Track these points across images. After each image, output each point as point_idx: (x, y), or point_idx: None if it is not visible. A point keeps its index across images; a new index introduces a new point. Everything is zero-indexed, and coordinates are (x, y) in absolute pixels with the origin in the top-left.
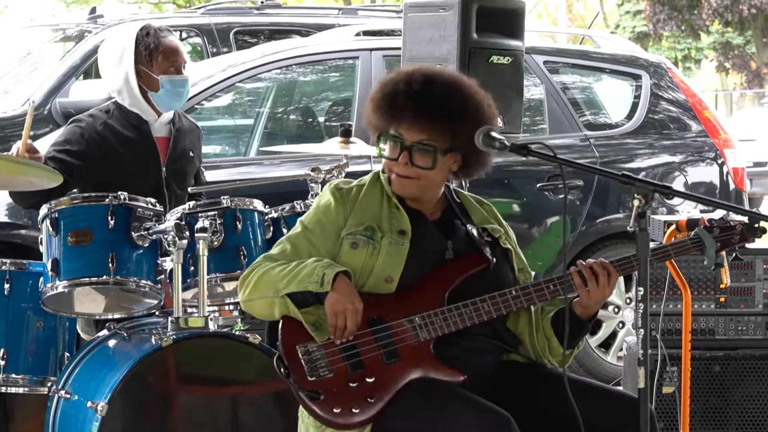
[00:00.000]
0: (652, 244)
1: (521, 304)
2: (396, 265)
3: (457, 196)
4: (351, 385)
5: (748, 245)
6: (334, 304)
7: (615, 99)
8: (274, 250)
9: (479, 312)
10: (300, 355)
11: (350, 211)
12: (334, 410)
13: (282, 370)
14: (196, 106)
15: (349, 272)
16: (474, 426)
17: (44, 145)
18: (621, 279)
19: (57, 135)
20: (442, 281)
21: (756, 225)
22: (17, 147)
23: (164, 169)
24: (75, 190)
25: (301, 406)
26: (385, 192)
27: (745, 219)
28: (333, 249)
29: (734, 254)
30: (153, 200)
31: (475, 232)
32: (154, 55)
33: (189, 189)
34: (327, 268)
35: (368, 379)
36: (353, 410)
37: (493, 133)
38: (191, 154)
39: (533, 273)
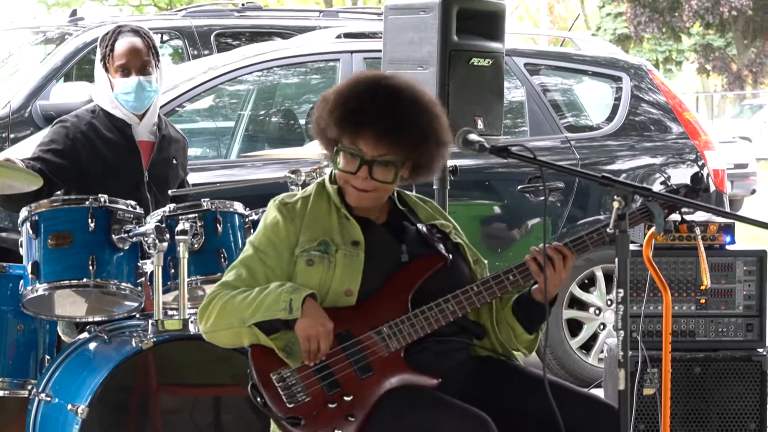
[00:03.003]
0: (636, 234)
1: (485, 300)
2: (354, 277)
3: (400, 196)
4: (330, 406)
5: (729, 247)
6: (305, 329)
7: (596, 101)
8: (229, 276)
9: (444, 313)
10: (275, 383)
11: (300, 226)
12: None
13: (258, 399)
14: (177, 109)
15: (315, 294)
16: (456, 430)
17: (25, 147)
18: (602, 281)
19: (43, 135)
20: (403, 286)
21: (698, 186)
22: None
23: (146, 173)
24: (58, 193)
25: (273, 426)
26: (332, 202)
27: (687, 181)
28: (288, 267)
29: (681, 218)
30: (133, 203)
31: (425, 230)
32: (108, 59)
33: (170, 192)
34: (293, 293)
35: (346, 398)
36: (336, 431)
37: (473, 135)
38: (174, 161)
39: (486, 261)
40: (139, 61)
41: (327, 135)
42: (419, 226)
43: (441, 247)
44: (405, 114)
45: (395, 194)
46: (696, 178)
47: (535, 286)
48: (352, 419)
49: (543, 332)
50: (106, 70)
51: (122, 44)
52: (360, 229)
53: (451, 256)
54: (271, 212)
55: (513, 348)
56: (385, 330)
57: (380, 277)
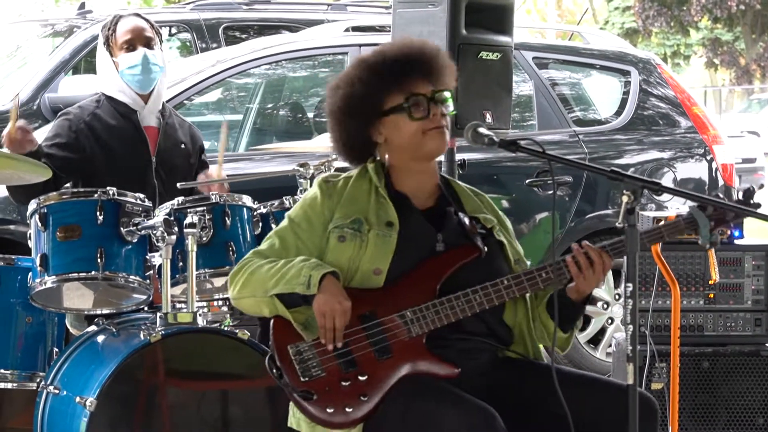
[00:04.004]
0: (645, 227)
1: (513, 294)
2: (384, 257)
3: (448, 184)
4: (343, 384)
5: (737, 241)
6: (321, 305)
7: (604, 95)
8: (263, 245)
9: (471, 304)
10: (291, 356)
11: (337, 203)
12: (328, 410)
13: (274, 371)
14: (185, 102)
15: (337, 272)
16: (460, 423)
17: None
18: (610, 275)
19: (47, 130)
20: (433, 273)
21: (750, 201)
22: (7, 132)
23: (154, 158)
24: (67, 185)
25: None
26: (373, 183)
27: (740, 195)
28: (320, 243)
29: (727, 233)
30: (142, 196)
31: (467, 221)
32: (111, 40)
33: (179, 185)
34: (314, 269)
35: (361, 377)
36: (346, 409)
37: (482, 129)
38: (183, 146)
39: (528, 263)
40: (143, 36)
41: (372, 106)
42: (461, 216)
43: (479, 240)
44: (429, 50)
45: (446, 182)
46: (748, 193)
47: (570, 285)
48: (365, 399)
49: (578, 328)
50: (110, 52)
51: (125, 23)
52: (396, 211)
53: (487, 248)
54: (313, 187)
55: (546, 344)
56: (408, 314)
57: (411, 262)
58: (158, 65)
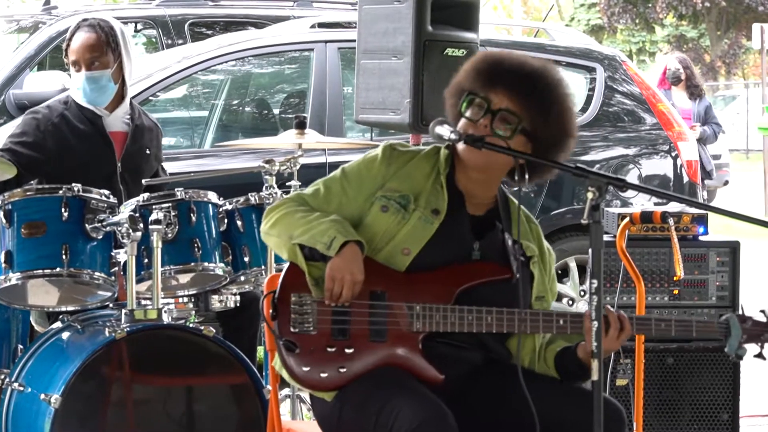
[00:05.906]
0: (675, 315)
1: (524, 329)
2: (418, 240)
3: (506, 202)
4: (329, 349)
5: (702, 238)
6: (334, 270)
7: None
8: (308, 189)
9: (480, 322)
10: (291, 303)
11: (392, 174)
12: (303, 368)
13: (271, 310)
14: (150, 98)
15: (362, 243)
16: (413, 416)
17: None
18: (575, 271)
19: (14, 126)
20: (458, 278)
21: None
22: None
23: (119, 164)
24: (32, 182)
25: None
26: (436, 168)
27: None
28: (363, 205)
29: (760, 352)
30: (107, 192)
31: (510, 242)
32: (67, 52)
33: (144, 181)
34: (340, 232)
35: (347, 350)
36: (321, 374)
37: (447, 125)
38: (148, 151)
39: (553, 305)
40: (88, 56)
41: (462, 85)
42: (506, 235)
43: (515, 264)
44: (543, 81)
45: (505, 198)
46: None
47: (582, 343)
48: (342, 371)
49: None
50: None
51: (76, 40)
52: (447, 202)
53: (518, 276)
54: (377, 149)
55: None
56: (417, 308)
57: (442, 257)
58: (106, 85)
